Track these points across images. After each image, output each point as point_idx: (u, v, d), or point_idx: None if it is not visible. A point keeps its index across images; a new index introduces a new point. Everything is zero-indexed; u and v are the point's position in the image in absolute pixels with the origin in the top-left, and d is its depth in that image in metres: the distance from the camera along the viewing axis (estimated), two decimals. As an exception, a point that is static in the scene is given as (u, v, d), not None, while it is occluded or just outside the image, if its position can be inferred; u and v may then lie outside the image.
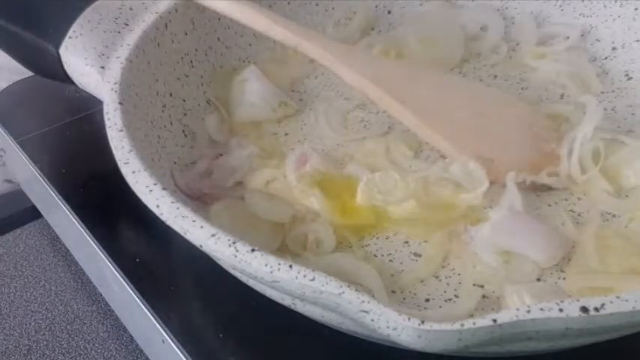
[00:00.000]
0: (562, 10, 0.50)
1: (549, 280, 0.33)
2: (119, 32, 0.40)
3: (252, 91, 0.43)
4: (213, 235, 0.27)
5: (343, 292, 0.25)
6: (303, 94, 0.47)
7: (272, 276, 0.26)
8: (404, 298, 0.32)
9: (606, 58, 0.47)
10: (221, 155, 0.41)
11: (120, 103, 0.35)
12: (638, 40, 0.46)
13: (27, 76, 0.54)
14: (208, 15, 0.45)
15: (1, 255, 0.52)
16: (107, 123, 0.34)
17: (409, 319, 0.24)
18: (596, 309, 0.23)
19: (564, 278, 0.33)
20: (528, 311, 0.23)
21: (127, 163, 0.31)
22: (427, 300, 0.32)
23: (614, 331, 0.26)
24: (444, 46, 0.48)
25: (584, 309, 0.23)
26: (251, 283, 0.30)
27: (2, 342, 0.45)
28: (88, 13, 0.41)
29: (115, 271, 0.38)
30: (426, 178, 0.37)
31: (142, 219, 0.38)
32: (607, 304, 0.23)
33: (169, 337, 0.34)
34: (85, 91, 0.40)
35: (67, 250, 0.51)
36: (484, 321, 0.23)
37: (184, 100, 0.42)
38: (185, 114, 0.42)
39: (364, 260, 0.33)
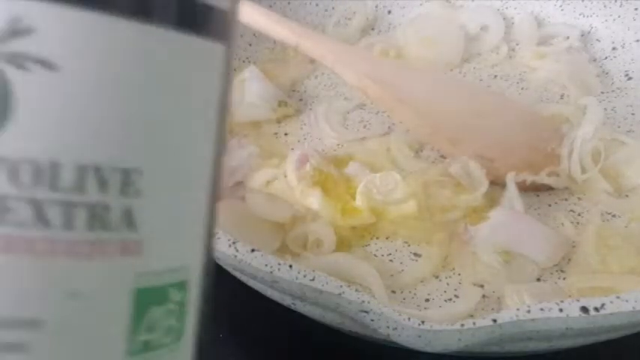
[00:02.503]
0: (562, 10, 0.50)
1: (549, 280, 0.33)
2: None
3: (252, 91, 0.43)
4: (213, 235, 0.27)
5: (343, 292, 0.25)
6: (303, 94, 0.47)
7: (272, 276, 0.26)
8: (404, 298, 0.32)
9: (606, 58, 0.47)
10: (221, 155, 0.40)
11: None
12: (638, 40, 0.46)
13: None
14: (208, 15, 0.45)
15: (1, 255, 0.52)
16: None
17: (409, 319, 0.24)
18: (596, 309, 0.23)
19: (564, 278, 0.33)
20: (528, 311, 0.24)
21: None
22: (427, 300, 0.32)
23: (614, 331, 0.26)
24: (444, 46, 0.48)
25: (584, 309, 0.23)
26: (251, 283, 0.30)
27: (2, 342, 0.45)
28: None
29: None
30: (426, 178, 0.37)
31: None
32: (607, 304, 0.23)
33: (169, 337, 0.34)
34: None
35: (67, 250, 0.51)
36: (484, 321, 0.23)
37: (184, 100, 0.42)
38: (185, 114, 0.42)
39: (364, 260, 0.33)
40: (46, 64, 0.10)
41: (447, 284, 0.33)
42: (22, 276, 0.10)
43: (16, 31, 0.10)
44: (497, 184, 0.37)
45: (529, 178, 0.37)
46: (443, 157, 0.39)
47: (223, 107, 0.13)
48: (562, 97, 0.45)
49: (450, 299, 0.32)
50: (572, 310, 0.23)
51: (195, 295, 0.13)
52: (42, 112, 0.10)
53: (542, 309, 0.23)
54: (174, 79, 0.11)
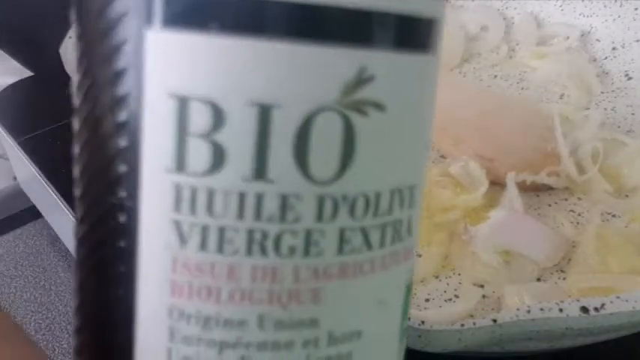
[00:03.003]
0: (562, 10, 0.50)
1: (549, 280, 0.33)
2: (119, 32, 0.40)
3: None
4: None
5: (343, 292, 0.25)
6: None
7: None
8: (404, 298, 0.32)
9: (606, 58, 0.47)
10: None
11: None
12: (638, 40, 0.46)
13: (27, 76, 0.54)
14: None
15: (1, 255, 0.52)
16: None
17: (409, 319, 0.24)
18: (596, 309, 0.23)
19: (564, 278, 0.33)
20: (528, 311, 0.24)
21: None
22: (427, 300, 0.32)
23: (614, 331, 0.26)
24: (444, 46, 0.48)
25: (584, 309, 0.23)
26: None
27: (2, 342, 0.45)
28: (88, 13, 0.41)
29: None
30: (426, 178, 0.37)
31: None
32: (607, 304, 0.23)
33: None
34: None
35: (67, 250, 0.51)
36: (484, 321, 0.23)
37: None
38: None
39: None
40: (378, 106, 0.11)
41: (447, 284, 0.33)
42: (352, 303, 0.12)
43: (362, 80, 0.11)
44: (497, 184, 0.37)
45: (529, 178, 0.37)
46: (443, 157, 0.39)
47: None
48: (562, 97, 0.45)
49: (450, 299, 0.32)
50: (572, 310, 0.23)
51: None
52: (374, 150, 0.11)
53: (542, 309, 0.23)
54: (431, 98, 0.13)
